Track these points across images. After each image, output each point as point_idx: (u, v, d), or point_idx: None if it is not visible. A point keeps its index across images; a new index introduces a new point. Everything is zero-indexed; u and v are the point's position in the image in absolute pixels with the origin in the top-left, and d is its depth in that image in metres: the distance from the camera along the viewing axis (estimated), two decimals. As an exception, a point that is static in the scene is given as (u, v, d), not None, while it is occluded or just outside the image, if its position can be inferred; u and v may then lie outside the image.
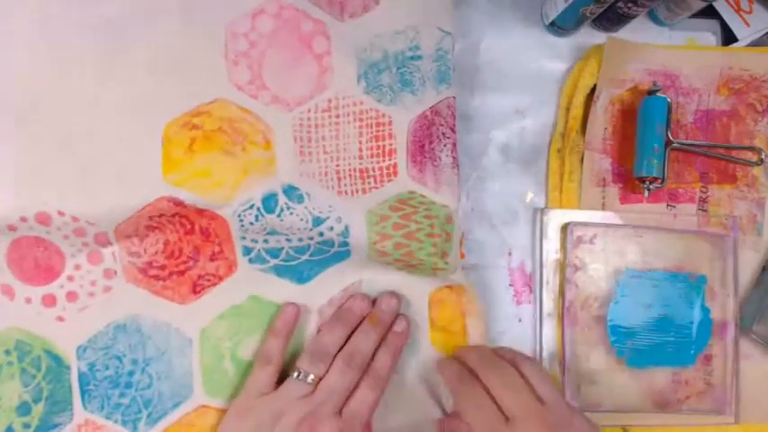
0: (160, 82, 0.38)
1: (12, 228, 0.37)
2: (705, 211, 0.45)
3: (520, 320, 0.44)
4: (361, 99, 0.40)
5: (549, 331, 0.43)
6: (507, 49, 0.46)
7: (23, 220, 0.37)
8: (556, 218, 0.44)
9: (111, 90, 0.38)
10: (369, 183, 0.41)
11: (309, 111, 0.40)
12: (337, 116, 0.40)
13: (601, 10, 0.41)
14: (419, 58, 0.41)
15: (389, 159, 0.41)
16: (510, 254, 0.44)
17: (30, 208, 0.37)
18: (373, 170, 0.41)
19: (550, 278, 0.44)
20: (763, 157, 0.45)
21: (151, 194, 0.38)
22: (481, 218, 0.44)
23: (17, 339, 0.37)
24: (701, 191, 0.45)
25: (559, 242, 0.44)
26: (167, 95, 0.38)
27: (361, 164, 0.40)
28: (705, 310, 0.44)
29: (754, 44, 0.47)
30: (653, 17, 0.46)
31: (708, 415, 0.44)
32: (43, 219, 0.37)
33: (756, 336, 0.44)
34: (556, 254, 0.44)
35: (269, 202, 0.39)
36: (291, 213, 0.40)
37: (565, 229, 0.44)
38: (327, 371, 0.37)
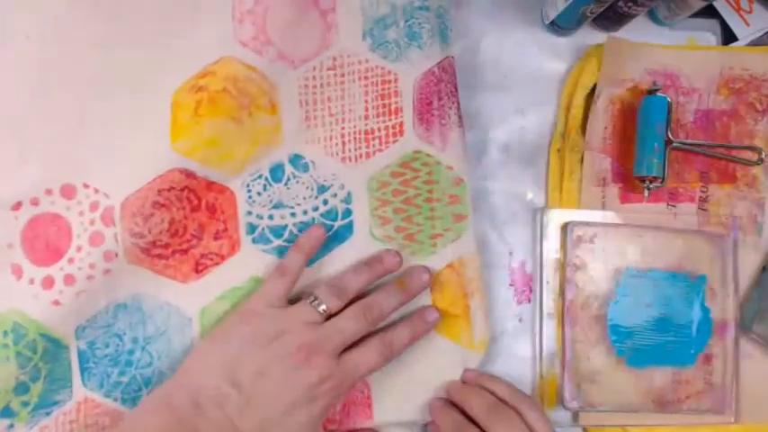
0: (167, 47, 0.38)
1: (34, 202, 0.37)
2: (705, 210, 0.45)
3: (520, 320, 0.44)
4: (367, 57, 0.40)
5: (550, 331, 0.43)
6: (507, 49, 0.46)
7: (48, 192, 0.37)
8: (556, 217, 0.44)
9: (119, 58, 0.37)
10: (373, 145, 0.41)
11: (315, 69, 0.40)
12: (342, 75, 0.40)
13: (601, 9, 0.41)
14: (426, 9, 0.41)
15: (395, 118, 0.41)
16: (511, 254, 0.44)
17: (55, 180, 0.37)
18: (379, 130, 0.41)
19: (550, 278, 0.44)
20: (763, 156, 0.45)
21: (161, 164, 0.37)
22: (481, 218, 0.44)
23: (14, 321, 0.36)
24: (702, 190, 0.45)
25: (559, 242, 0.44)
26: (175, 60, 0.38)
27: (366, 125, 0.41)
28: (705, 310, 0.44)
29: (754, 44, 0.47)
30: (653, 17, 0.46)
31: (708, 415, 0.44)
32: (69, 191, 0.37)
33: (756, 336, 0.44)
34: (556, 253, 0.44)
35: (276, 172, 0.40)
36: (298, 182, 0.40)
37: (565, 228, 0.44)
38: (341, 311, 0.37)
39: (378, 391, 0.41)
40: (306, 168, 0.40)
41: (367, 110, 0.41)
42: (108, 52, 0.37)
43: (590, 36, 0.46)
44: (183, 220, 0.38)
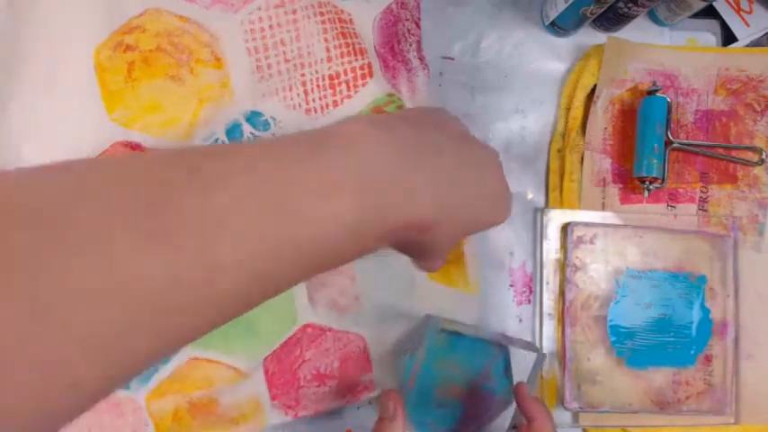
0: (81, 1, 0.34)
1: None
2: (705, 211, 0.45)
3: (520, 320, 0.44)
4: None
5: (550, 331, 0.43)
6: (507, 49, 0.45)
7: None
8: (556, 218, 0.44)
9: (28, 18, 0.33)
10: (340, 91, 0.36)
11: (260, 9, 0.35)
12: (294, 12, 0.35)
13: (601, 10, 0.41)
14: None
15: (362, 58, 0.36)
16: (511, 254, 0.44)
17: None
18: (345, 73, 0.36)
19: (550, 278, 0.44)
20: (763, 156, 0.45)
21: (101, 139, 0.34)
22: (481, 218, 0.44)
23: None
24: (702, 191, 0.45)
25: (559, 242, 0.44)
26: (91, 14, 0.34)
27: (330, 68, 0.36)
28: (705, 310, 0.44)
29: (754, 44, 0.47)
30: (653, 17, 0.46)
31: (708, 415, 0.43)
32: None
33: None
34: (556, 254, 0.44)
35: (233, 134, 0.36)
36: None
37: (565, 229, 0.43)
38: None
39: (374, 343, 0.40)
40: (266, 126, 0.36)
41: (328, 50, 0.36)
42: (9, 14, 0.33)
43: (590, 36, 0.46)
44: None
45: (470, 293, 0.41)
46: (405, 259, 0.39)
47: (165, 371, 0.38)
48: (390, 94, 0.37)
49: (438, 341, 0.38)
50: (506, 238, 0.44)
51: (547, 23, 0.45)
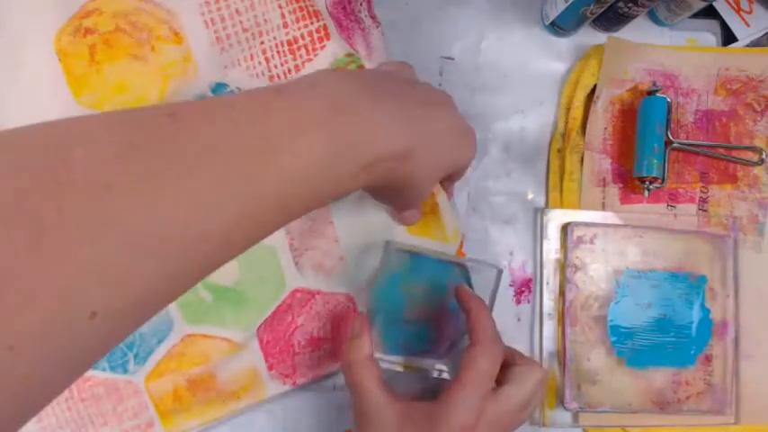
0: None
1: None
2: (705, 211, 0.45)
3: (519, 320, 0.44)
4: None
5: (550, 331, 0.43)
6: (507, 49, 0.45)
7: None
8: (556, 218, 0.44)
9: None
10: (300, 56, 0.37)
11: None
12: None
13: (601, 10, 0.41)
14: None
15: (317, 21, 0.37)
16: (511, 254, 0.44)
17: None
18: (302, 38, 0.37)
19: (550, 278, 0.44)
20: (763, 156, 0.45)
21: None
22: (482, 218, 0.44)
23: None
24: (702, 191, 0.45)
25: (559, 242, 0.44)
26: (47, 1, 0.34)
27: (287, 33, 0.37)
28: (705, 311, 0.44)
29: (754, 44, 0.47)
30: (653, 17, 0.46)
31: (708, 415, 0.44)
32: None
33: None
34: (556, 254, 0.44)
35: None
36: None
37: (565, 229, 0.43)
38: None
39: (361, 302, 0.40)
40: None
41: (284, 16, 0.36)
42: None
43: (590, 36, 0.46)
44: None
45: (449, 243, 0.41)
46: (384, 216, 0.40)
47: (161, 351, 0.38)
48: (349, 54, 0.38)
49: (400, 264, 0.39)
50: (506, 238, 0.44)
51: (547, 23, 0.45)
